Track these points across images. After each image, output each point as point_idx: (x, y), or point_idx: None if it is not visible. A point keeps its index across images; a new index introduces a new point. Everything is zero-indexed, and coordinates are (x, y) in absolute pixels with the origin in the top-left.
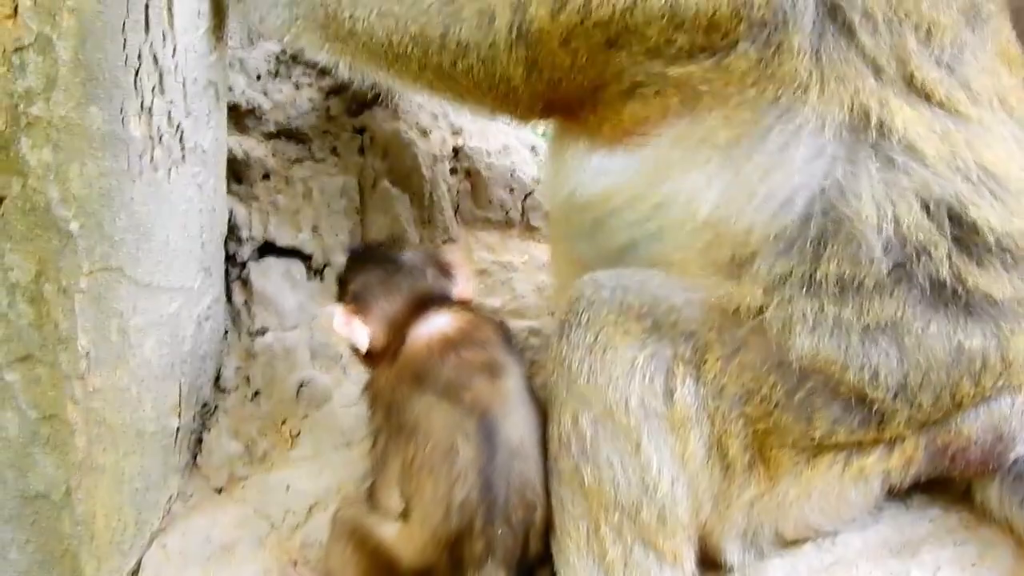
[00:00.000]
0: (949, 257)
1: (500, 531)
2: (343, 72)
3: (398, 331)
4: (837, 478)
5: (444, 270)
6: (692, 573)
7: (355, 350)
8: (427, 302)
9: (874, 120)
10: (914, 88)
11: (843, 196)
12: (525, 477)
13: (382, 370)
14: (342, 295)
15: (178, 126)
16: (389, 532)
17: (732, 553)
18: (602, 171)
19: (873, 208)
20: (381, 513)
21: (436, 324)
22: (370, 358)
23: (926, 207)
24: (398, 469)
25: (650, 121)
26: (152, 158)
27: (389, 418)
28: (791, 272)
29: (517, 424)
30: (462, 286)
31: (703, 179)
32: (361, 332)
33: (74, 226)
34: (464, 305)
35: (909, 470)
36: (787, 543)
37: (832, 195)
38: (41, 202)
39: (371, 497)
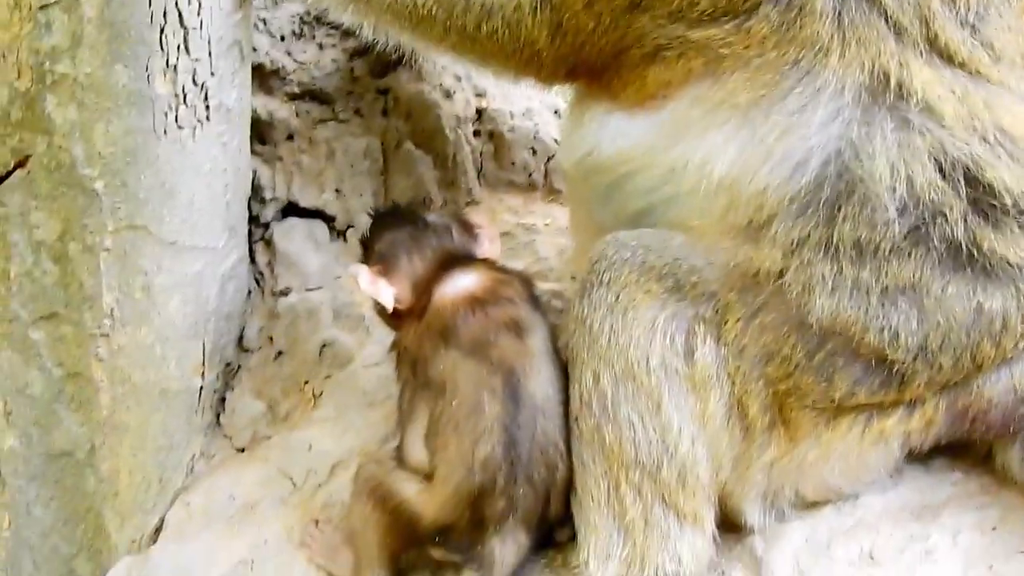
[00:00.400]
0: (964, 219)
1: (522, 490)
2: (367, 34)
3: (424, 290)
4: (857, 440)
5: (468, 230)
6: (712, 534)
7: (380, 310)
8: (453, 261)
9: (893, 82)
10: (936, 49)
11: (857, 157)
12: (548, 436)
13: (408, 327)
14: (367, 256)
15: (203, 85)
16: (411, 490)
17: (752, 514)
18: (620, 133)
19: (886, 168)
20: (409, 470)
21: (462, 283)
22: (396, 317)
23: (940, 168)
24: (425, 425)
25: (673, 84)
26: (177, 117)
27: (415, 374)
28: (808, 235)
29: (542, 382)
30: (487, 246)
31: (719, 140)
32: (387, 292)
33: (99, 184)
34: (490, 264)
35: (929, 432)
36: (807, 505)
37: (847, 156)
38: (66, 160)
39: (399, 454)
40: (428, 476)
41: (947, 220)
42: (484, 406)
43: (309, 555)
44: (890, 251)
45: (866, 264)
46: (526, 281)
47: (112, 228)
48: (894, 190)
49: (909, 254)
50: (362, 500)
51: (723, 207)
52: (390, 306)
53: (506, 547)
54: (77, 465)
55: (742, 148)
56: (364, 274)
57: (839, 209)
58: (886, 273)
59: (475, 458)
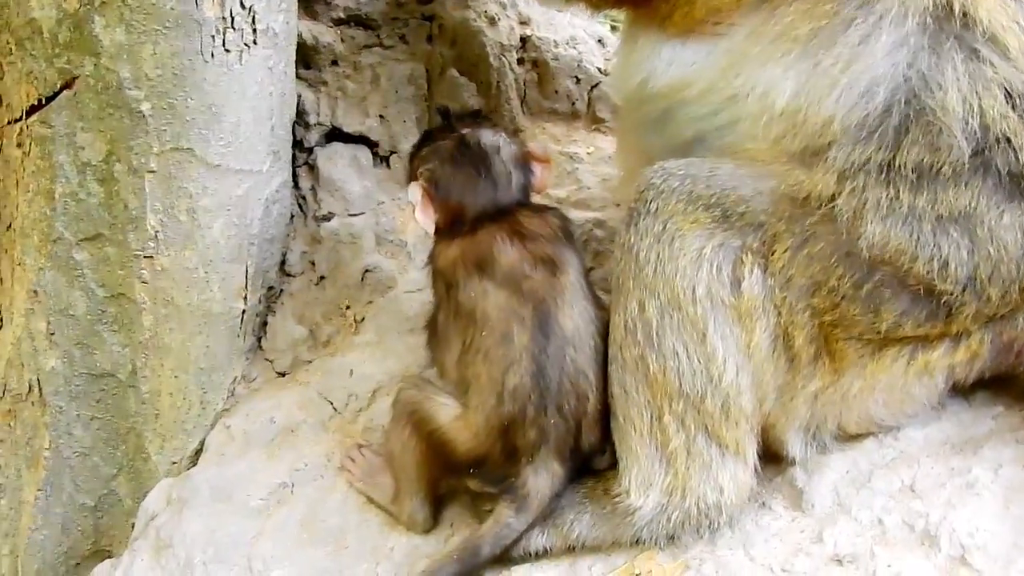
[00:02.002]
0: None
1: (552, 420)
2: None
3: (465, 215)
4: (902, 372)
5: (524, 159)
6: (754, 464)
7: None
8: (502, 198)
9: (957, 9)
10: None
11: (927, 87)
12: (578, 366)
13: (445, 246)
14: (417, 169)
15: (250, 8)
16: (446, 417)
17: (794, 446)
18: (673, 61)
19: (959, 100)
20: (444, 384)
21: (504, 214)
22: (438, 233)
23: (1009, 98)
24: (457, 353)
25: (723, 11)
26: (224, 40)
27: (449, 295)
28: (868, 159)
29: (573, 316)
30: (539, 177)
31: (780, 71)
32: (430, 213)
33: (145, 106)
34: (535, 199)
35: (974, 366)
36: (849, 437)
37: (916, 85)
38: (113, 82)
39: (433, 364)
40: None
41: (1011, 148)
42: (513, 336)
43: (349, 479)
44: (950, 177)
45: (923, 190)
46: (563, 218)
47: (158, 150)
48: (966, 122)
49: (967, 182)
50: (400, 425)
51: (780, 133)
52: (431, 229)
53: (540, 478)
54: (119, 386)
55: (805, 78)
56: (414, 192)
57: (905, 133)
58: (942, 201)
59: (504, 387)
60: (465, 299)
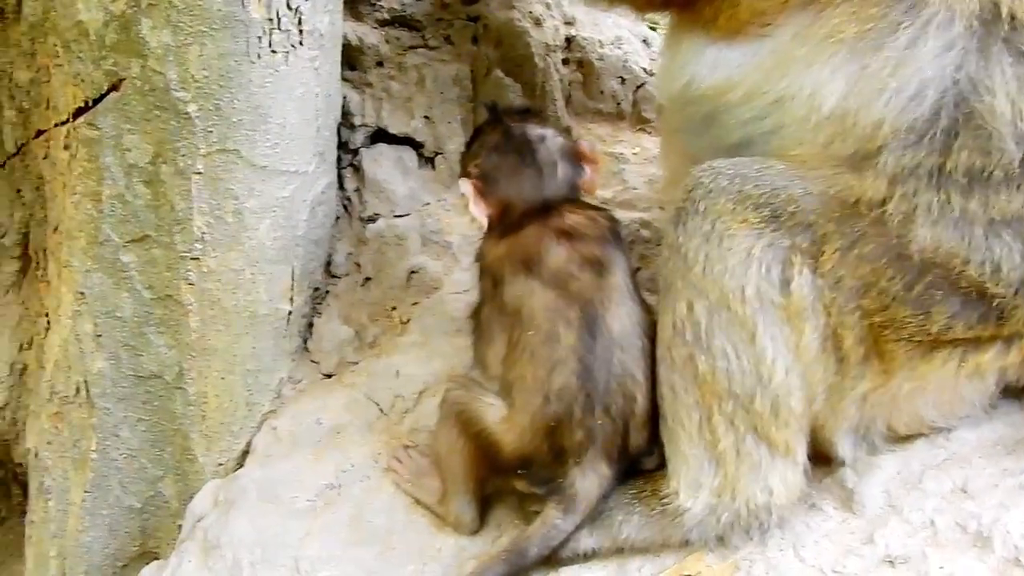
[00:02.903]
0: None
1: (600, 421)
2: None
3: (515, 211)
4: (952, 374)
5: (575, 158)
6: (804, 465)
7: (477, 221)
8: (550, 195)
9: (1005, 12)
10: None
11: (975, 91)
12: (626, 367)
13: (493, 244)
14: (468, 165)
15: (296, 9)
16: (493, 417)
17: (844, 447)
18: (718, 63)
19: (1008, 103)
20: (487, 380)
21: (553, 214)
22: (489, 229)
23: None
24: (502, 350)
25: (768, 14)
26: (270, 41)
27: (495, 292)
28: (919, 164)
29: (620, 317)
30: (590, 178)
31: (827, 74)
32: (482, 212)
33: (192, 108)
34: (584, 198)
35: None
36: (899, 438)
37: (964, 89)
38: (160, 83)
39: (478, 365)
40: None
41: None
42: (560, 336)
43: (395, 480)
44: (1001, 180)
45: (974, 194)
46: (612, 219)
47: (204, 151)
48: (1015, 125)
49: (1020, 185)
50: (447, 425)
51: (828, 137)
52: (483, 224)
53: (587, 479)
54: (165, 387)
55: (853, 81)
56: (465, 187)
57: (955, 137)
58: (993, 204)
59: (551, 387)
60: (511, 297)
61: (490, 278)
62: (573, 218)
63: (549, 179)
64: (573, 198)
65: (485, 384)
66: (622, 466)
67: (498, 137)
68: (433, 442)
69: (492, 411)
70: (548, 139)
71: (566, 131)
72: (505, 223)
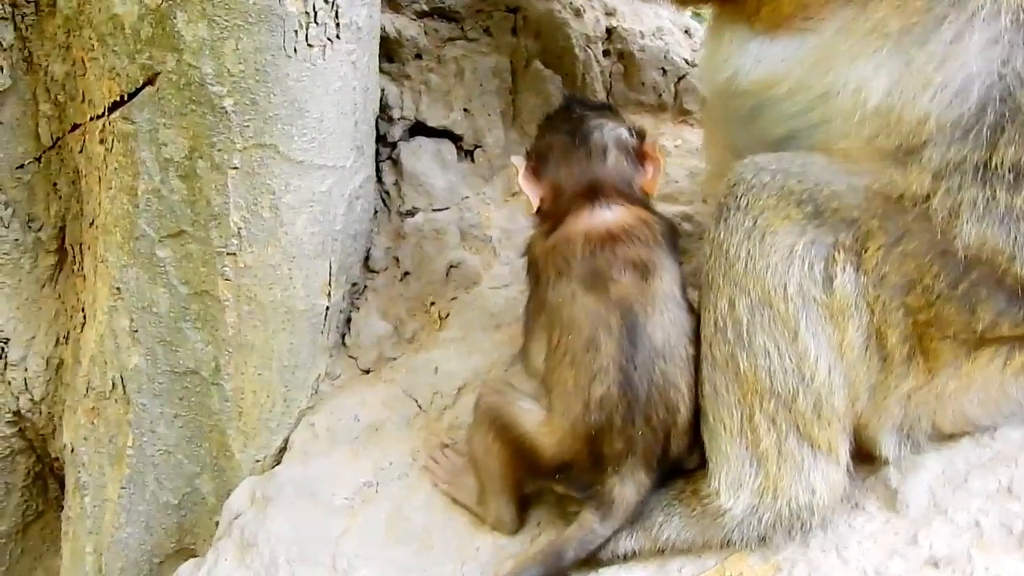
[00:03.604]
0: None
1: (640, 431)
2: None
3: (566, 204)
4: (998, 372)
5: (636, 154)
6: (846, 464)
7: (528, 208)
8: (599, 187)
9: None
10: None
11: (1022, 84)
12: (668, 378)
13: (542, 235)
14: (530, 147)
15: (333, 3)
16: (531, 422)
17: (888, 446)
18: (762, 57)
19: None
20: (528, 378)
21: (601, 214)
22: (539, 215)
23: None
24: (544, 349)
25: (811, 7)
26: (307, 35)
27: (538, 288)
28: (964, 159)
29: (663, 325)
30: (649, 177)
31: (871, 68)
32: (534, 192)
33: (228, 102)
34: (636, 199)
35: None
36: (943, 437)
37: (1011, 83)
38: (196, 77)
39: (523, 357)
40: (547, 404)
41: None
42: (600, 344)
43: (433, 480)
44: None
45: (1021, 190)
46: (667, 223)
47: (240, 146)
48: None
49: None
50: (483, 430)
51: (873, 132)
52: (534, 206)
53: (626, 487)
54: (202, 383)
55: (898, 76)
56: (520, 166)
57: (1001, 133)
58: None
59: (591, 396)
60: (553, 298)
61: (535, 274)
62: (623, 217)
63: (598, 164)
64: (628, 194)
65: (524, 382)
66: (662, 473)
67: (558, 119)
68: (469, 444)
69: (530, 416)
70: (606, 127)
71: (638, 131)
72: (555, 213)
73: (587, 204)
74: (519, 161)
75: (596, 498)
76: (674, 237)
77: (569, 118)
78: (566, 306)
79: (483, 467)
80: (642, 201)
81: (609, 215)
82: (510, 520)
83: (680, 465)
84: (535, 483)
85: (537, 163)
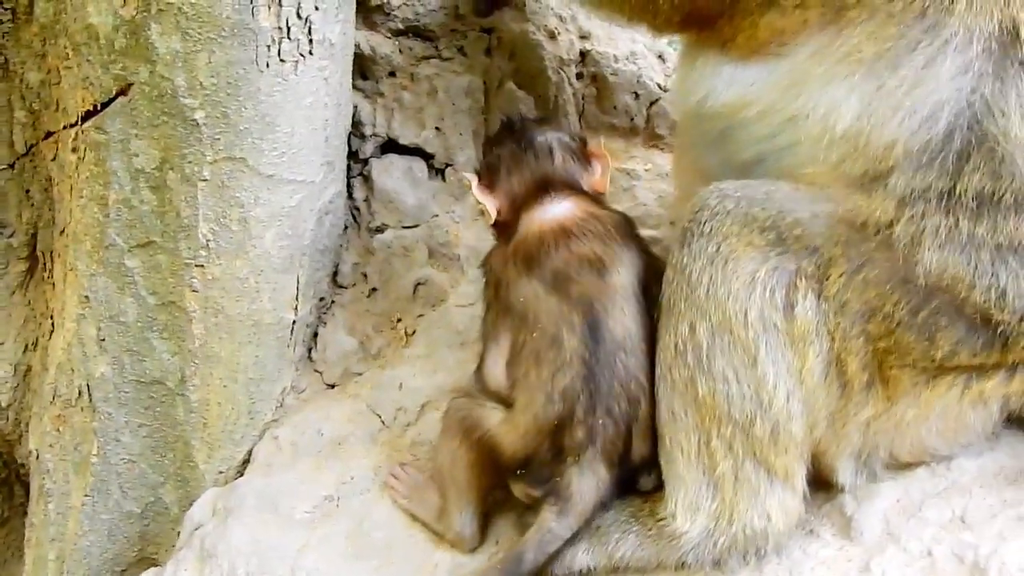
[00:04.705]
0: None
1: (601, 421)
2: None
3: (519, 207)
4: (956, 401)
5: (583, 157)
6: (803, 491)
7: (488, 218)
8: (549, 187)
9: (1023, 35)
10: None
11: (990, 112)
12: (629, 370)
13: (500, 245)
14: (480, 165)
15: (307, 19)
16: (495, 420)
17: (845, 473)
18: (734, 81)
19: (1022, 126)
20: (488, 394)
21: (554, 211)
22: (498, 228)
23: None
24: (507, 350)
25: (786, 33)
26: (280, 50)
27: (498, 297)
28: (929, 186)
29: (623, 319)
30: (597, 177)
31: (843, 92)
32: (490, 203)
33: (200, 115)
34: (587, 196)
35: None
36: (901, 465)
37: (979, 110)
38: (168, 89)
39: (479, 375)
40: (507, 403)
41: None
42: (563, 340)
43: (393, 496)
44: (1011, 207)
45: (983, 218)
46: (620, 217)
47: (211, 159)
48: None
49: None
50: (450, 434)
51: (841, 156)
52: (492, 217)
53: (585, 480)
54: (167, 394)
55: (869, 100)
56: (474, 182)
57: (967, 160)
58: (1001, 230)
59: (554, 387)
60: (516, 299)
61: (495, 283)
62: (574, 212)
63: (545, 163)
64: (578, 190)
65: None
66: (622, 474)
67: (501, 133)
68: (435, 454)
69: (494, 415)
70: (548, 132)
71: (580, 136)
72: (512, 221)
73: (538, 202)
74: (471, 176)
75: (554, 493)
76: (630, 228)
77: (512, 130)
78: (530, 305)
79: (448, 474)
80: (592, 197)
81: (560, 210)
82: (471, 535)
83: (640, 472)
84: (498, 487)
85: (488, 175)
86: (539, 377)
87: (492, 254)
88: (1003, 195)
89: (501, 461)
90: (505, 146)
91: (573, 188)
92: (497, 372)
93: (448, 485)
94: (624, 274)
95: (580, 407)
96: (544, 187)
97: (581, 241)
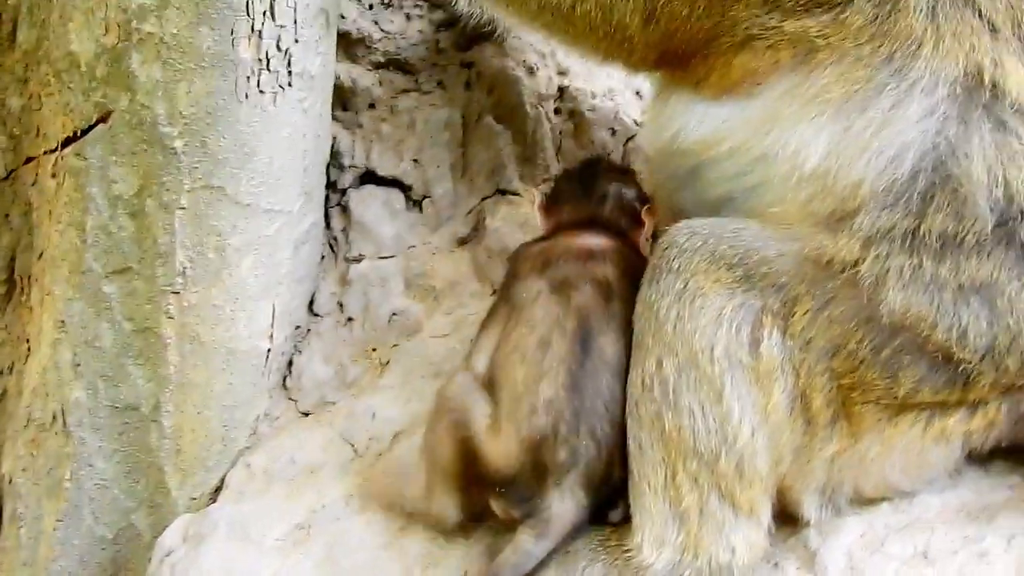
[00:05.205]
0: None
1: (585, 443)
2: (461, 6)
3: (562, 229)
4: (919, 437)
5: (635, 214)
6: (767, 525)
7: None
8: (596, 222)
9: (987, 80)
10: None
11: (954, 155)
12: (614, 393)
13: (529, 243)
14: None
15: (287, 51)
16: (482, 425)
17: (809, 508)
18: (706, 119)
19: (984, 170)
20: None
21: (590, 239)
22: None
23: None
24: (495, 339)
25: (759, 73)
26: (259, 81)
27: (506, 286)
28: (894, 226)
29: (616, 344)
30: (641, 235)
31: (812, 132)
32: (541, 219)
33: (179, 143)
34: (626, 238)
35: (990, 434)
36: (864, 501)
37: (943, 152)
38: (148, 117)
39: (468, 359)
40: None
41: None
42: (553, 343)
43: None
44: (973, 247)
45: (946, 259)
46: (643, 260)
47: (189, 187)
48: (990, 192)
49: (990, 253)
50: (439, 421)
51: (809, 196)
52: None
53: (565, 504)
54: (142, 420)
55: (837, 140)
56: (536, 198)
57: (931, 201)
58: (964, 270)
59: (538, 398)
60: (519, 292)
61: (512, 272)
62: (607, 243)
63: (599, 208)
64: (619, 234)
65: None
66: (600, 499)
67: (579, 168)
68: (426, 431)
69: (482, 414)
70: (614, 184)
71: (644, 196)
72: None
73: (580, 231)
74: (537, 194)
75: (534, 514)
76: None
77: (587, 170)
78: (528, 302)
79: (434, 457)
80: (629, 240)
81: (595, 241)
82: (452, 516)
83: (617, 497)
84: (478, 495)
85: (550, 200)
86: (525, 382)
87: (519, 249)
88: (966, 236)
89: (483, 473)
90: (574, 183)
91: (615, 230)
92: (481, 363)
93: (433, 467)
94: (629, 308)
95: (564, 424)
96: (590, 222)
97: (600, 264)
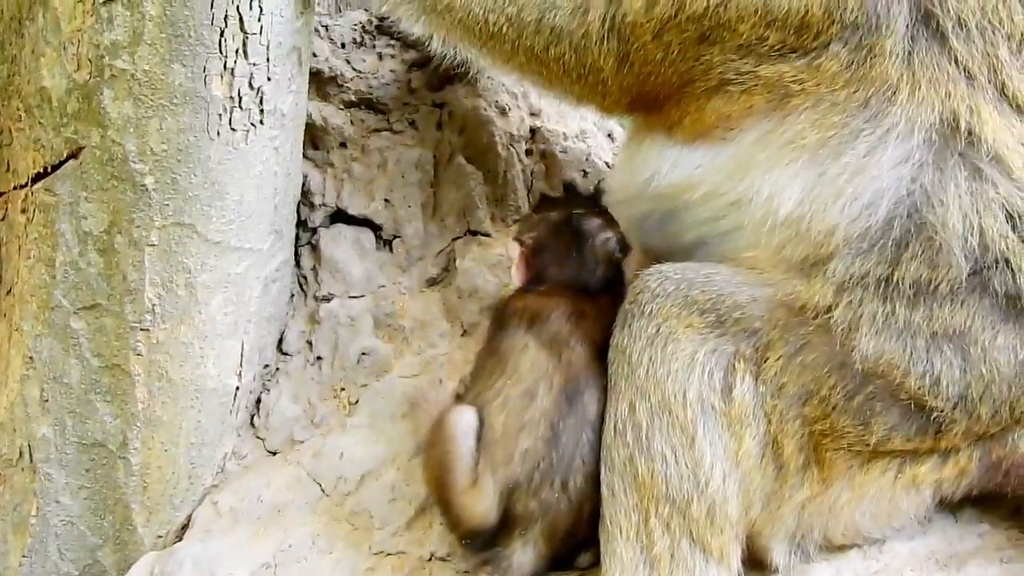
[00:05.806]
0: None
1: (556, 495)
2: (436, 46)
3: (548, 282)
4: (890, 485)
5: (615, 273)
6: (737, 571)
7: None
8: (583, 274)
9: (963, 127)
10: (1006, 98)
11: (929, 202)
12: (593, 450)
13: (519, 295)
14: (527, 231)
15: (259, 89)
16: (464, 483)
17: (778, 554)
18: (679, 163)
19: (959, 217)
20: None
21: (580, 301)
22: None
23: (1010, 219)
24: (480, 385)
25: (732, 118)
26: (231, 119)
27: (496, 333)
28: (867, 273)
29: (599, 401)
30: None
31: (786, 178)
32: (520, 273)
33: (149, 180)
34: (614, 291)
35: (961, 482)
36: (834, 548)
37: (918, 199)
38: (119, 154)
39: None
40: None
41: (1009, 267)
42: (538, 396)
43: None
44: (947, 295)
45: (919, 306)
46: None
47: (159, 224)
48: (965, 240)
49: (964, 301)
50: (432, 443)
51: (782, 241)
52: (517, 282)
53: (526, 555)
54: (109, 456)
55: (811, 186)
56: (516, 251)
57: (905, 248)
58: (937, 318)
59: (517, 446)
60: (505, 345)
61: (500, 321)
62: (594, 301)
63: (588, 270)
64: (607, 289)
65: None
66: (563, 552)
67: (558, 219)
68: (426, 441)
69: (467, 471)
70: (601, 245)
71: (625, 244)
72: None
73: (568, 289)
74: (515, 250)
75: (493, 562)
76: None
77: (567, 222)
78: (515, 353)
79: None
80: (614, 291)
81: (586, 303)
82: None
83: (580, 550)
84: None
85: (530, 253)
86: (505, 430)
87: (508, 299)
88: (939, 284)
89: (457, 523)
90: (562, 239)
91: (597, 288)
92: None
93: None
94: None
95: (538, 473)
96: (573, 284)
97: (592, 324)
